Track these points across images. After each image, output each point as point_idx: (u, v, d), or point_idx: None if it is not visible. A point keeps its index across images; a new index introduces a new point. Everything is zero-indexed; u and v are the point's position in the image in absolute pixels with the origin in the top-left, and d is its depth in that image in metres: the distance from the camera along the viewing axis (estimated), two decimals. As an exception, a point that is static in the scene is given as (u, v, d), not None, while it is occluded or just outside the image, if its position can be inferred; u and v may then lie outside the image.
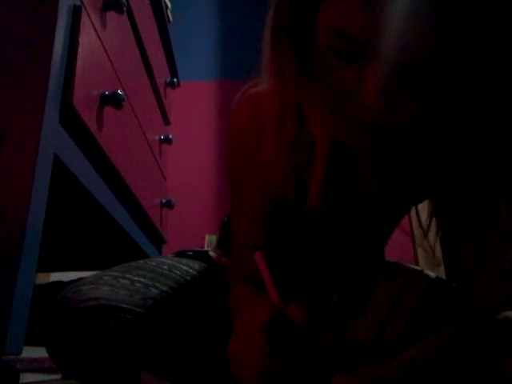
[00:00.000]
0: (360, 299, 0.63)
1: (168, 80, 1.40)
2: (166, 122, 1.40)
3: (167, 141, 1.30)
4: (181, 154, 2.22)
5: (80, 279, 0.57)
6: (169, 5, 1.48)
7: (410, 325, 0.58)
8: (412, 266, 0.67)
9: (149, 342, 0.55)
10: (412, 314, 0.59)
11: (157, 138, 1.22)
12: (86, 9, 0.67)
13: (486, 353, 0.40)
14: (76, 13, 0.65)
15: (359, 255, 0.69)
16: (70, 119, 0.64)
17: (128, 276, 0.58)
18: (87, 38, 0.67)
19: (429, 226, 0.60)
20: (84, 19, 0.66)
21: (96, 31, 0.71)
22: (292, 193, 0.55)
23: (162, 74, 1.32)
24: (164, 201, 1.25)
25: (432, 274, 0.64)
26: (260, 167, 0.57)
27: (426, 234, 0.59)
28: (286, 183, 0.55)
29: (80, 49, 0.64)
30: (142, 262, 0.64)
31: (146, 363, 0.56)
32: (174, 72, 1.50)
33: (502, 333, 0.43)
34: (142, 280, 0.58)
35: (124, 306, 0.53)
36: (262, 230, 0.60)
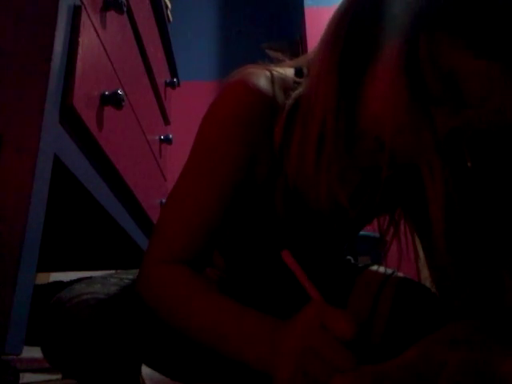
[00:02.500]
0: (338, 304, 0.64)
1: (168, 80, 1.40)
2: (166, 121, 1.40)
3: (167, 141, 1.30)
4: (181, 154, 2.22)
5: (80, 279, 0.58)
6: (169, 5, 1.48)
7: (389, 325, 0.59)
8: (381, 269, 0.68)
9: (143, 336, 0.55)
10: (388, 314, 0.60)
11: (157, 138, 1.22)
12: (86, 9, 0.67)
13: (484, 352, 0.40)
14: (76, 13, 0.65)
15: (321, 255, 0.69)
16: (70, 119, 0.64)
17: (116, 276, 0.61)
18: (87, 38, 0.67)
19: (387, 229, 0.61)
20: (84, 19, 0.66)
21: (96, 31, 0.71)
22: (322, 182, 0.52)
23: (162, 74, 1.32)
24: (164, 201, 1.25)
25: (400, 275, 0.66)
26: (247, 148, 0.55)
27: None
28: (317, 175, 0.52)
29: (80, 49, 0.64)
30: (125, 270, 0.66)
31: (145, 358, 0.56)
32: (174, 72, 1.50)
33: (501, 331, 0.43)
34: (130, 277, 0.60)
35: (116, 299, 0.54)
36: (222, 208, 0.55)
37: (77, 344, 0.51)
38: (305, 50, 2.34)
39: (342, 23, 0.48)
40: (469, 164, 0.48)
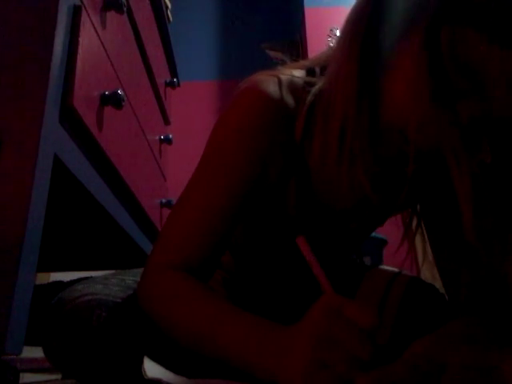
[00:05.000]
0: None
1: (168, 80, 1.40)
2: (166, 122, 1.40)
3: (167, 141, 1.30)
4: (181, 154, 2.22)
5: (80, 279, 0.58)
6: (169, 5, 1.48)
7: (397, 323, 0.59)
8: (391, 268, 0.68)
9: (146, 335, 0.55)
10: (396, 312, 0.60)
11: (157, 138, 1.22)
12: (86, 9, 0.67)
13: (485, 351, 0.40)
14: (76, 13, 0.65)
15: (335, 256, 0.69)
16: (70, 119, 0.64)
17: (118, 276, 0.60)
18: (87, 38, 0.67)
19: (409, 223, 0.61)
20: (84, 19, 0.66)
21: (96, 31, 0.71)
22: (345, 182, 0.53)
23: (162, 74, 1.32)
24: (164, 201, 1.25)
25: (409, 274, 0.66)
26: (258, 155, 0.55)
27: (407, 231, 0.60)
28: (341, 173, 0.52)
29: (80, 49, 0.64)
30: (128, 270, 0.65)
31: (147, 353, 0.56)
32: (174, 72, 1.50)
33: (502, 328, 0.43)
34: (132, 278, 0.60)
35: (118, 300, 0.54)
36: (231, 216, 0.55)
37: (78, 345, 0.51)
38: (305, 50, 2.34)
39: (361, 16, 0.48)
40: (489, 157, 0.48)
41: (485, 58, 0.41)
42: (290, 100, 0.56)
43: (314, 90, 0.56)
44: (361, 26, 0.48)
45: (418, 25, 0.43)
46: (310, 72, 0.60)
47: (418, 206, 0.62)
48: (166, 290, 0.51)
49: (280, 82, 0.56)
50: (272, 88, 0.55)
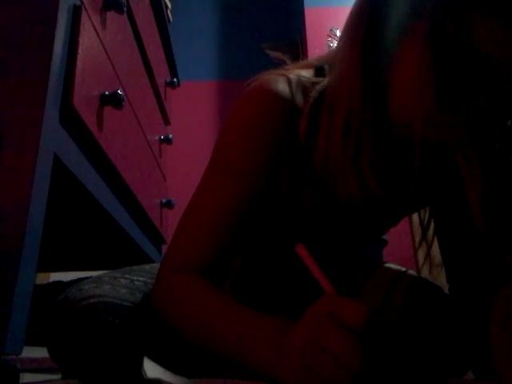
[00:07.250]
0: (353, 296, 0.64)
1: (168, 80, 1.40)
2: (166, 122, 1.40)
3: (167, 141, 1.30)
4: (181, 154, 2.22)
5: (80, 279, 0.58)
6: (169, 5, 1.48)
7: (399, 322, 0.59)
8: (397, 267, 0.68)
9: (151, 338, 0.55)
10: (399, 310, 0.60)
11: (157, 138, 1.22)
12: (85, 9, 0.67)
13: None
14: (76, 13, 0.65)
15: (345, 256, 0.69)
16: (70, 119, 0.64)
17: (127, 276, 0.59)
18: (87, 38, 0.67)
19: (427, 225, 0.61)
20: (84, 19, 0.66)
21: (96, 31, 0.71)
22: (353, 182, 0.52)
23: (162, 74, 1.32)
24: (164, 201, 1.25)
25: (415, 273, 0.65)
26: (268, 154, 0.54)
27: (425, 233, 0.60)
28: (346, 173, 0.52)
29: (80, 49, 0.64)
30: (137, 266, 0.65)
31: (150, 355, 0.56)
32: (174, 72, 1.50)
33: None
34: (141, 279, 0.59)
35: (126, 303, 0.54)
36: (242, 216, 0.54)
37: (82, 348, 0.51)
38: (305, 50, 2.33)
39: (362, 10, 0.48)
40: (496, 146, 0.48)
41: (495, 40, 0.40)
42: (300, 99, 0.56)
43: (319, 87, 0.55)
44: (363, 19, 0.48)
45: (419, 15, 0.43)
46: (320, 70, 0.59)
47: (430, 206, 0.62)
48: (178, 293, 0.51)
49: (290, 81, 0.56)
50: (282, 87, 0.54)
